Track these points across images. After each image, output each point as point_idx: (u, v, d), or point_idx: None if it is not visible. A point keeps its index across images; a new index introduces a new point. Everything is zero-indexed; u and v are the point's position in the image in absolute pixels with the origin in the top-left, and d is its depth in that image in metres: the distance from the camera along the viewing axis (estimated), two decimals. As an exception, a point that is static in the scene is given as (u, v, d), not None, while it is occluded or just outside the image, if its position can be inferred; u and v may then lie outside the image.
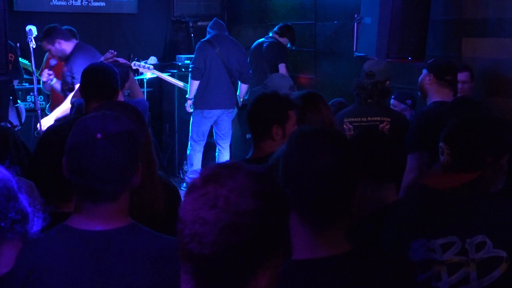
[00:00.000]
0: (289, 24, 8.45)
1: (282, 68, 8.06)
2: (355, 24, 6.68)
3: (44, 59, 7.58)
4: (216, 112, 7.95)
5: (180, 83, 8.58)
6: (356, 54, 6.67)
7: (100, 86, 3.99)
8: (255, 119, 3.49)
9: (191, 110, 8.01)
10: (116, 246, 2.01)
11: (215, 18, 8.50)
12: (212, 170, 1.48)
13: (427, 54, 6.20)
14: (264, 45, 8.31)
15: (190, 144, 8.03)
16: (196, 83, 7.86)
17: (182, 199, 1.51)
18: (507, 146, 2.68)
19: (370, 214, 2.74)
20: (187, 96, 8.04)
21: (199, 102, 7.90)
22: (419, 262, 2.48)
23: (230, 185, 1.43)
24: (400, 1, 6.01)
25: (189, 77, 7.94)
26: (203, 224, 1.41)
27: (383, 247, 2.55)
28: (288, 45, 8.39)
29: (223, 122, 8.06)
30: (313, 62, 8.82)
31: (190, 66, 7.97)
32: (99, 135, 1.97)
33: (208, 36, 8.08)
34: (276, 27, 8.42)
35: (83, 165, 1.98)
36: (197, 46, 8.05)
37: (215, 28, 8.15)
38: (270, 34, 8.43)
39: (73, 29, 7.48)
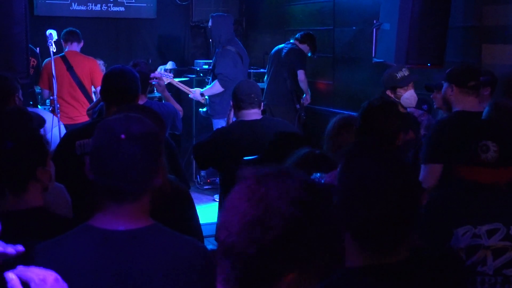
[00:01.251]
0: (311, 32, 8.43)
1: (301, 74, 8.07)
2: (374, 30, 6.67)
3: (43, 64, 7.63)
4: None
5: (199, 98, 8.52)
6: (375, 60, 6.66)
7: (121, 91, 4.00)
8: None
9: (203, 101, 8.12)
10: (139, 246, 2.02)
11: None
12: (266, 168, 1.51)
13: (446, 60, 6.19)
14: (284, 50, 8.30)
15: None
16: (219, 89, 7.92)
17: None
18: None
19: None
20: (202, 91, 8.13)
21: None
22: (465, 248, 2.63)
23: (272, 185, 1.45)
24: (419, 7, 6.00)
25: (217, 83, 7.95)
26: (234, 213, 1.45)
27: (428, 236, 2.63)
28: (309, 54, 8.38)
29: None
30: (331, 68, 8.81)
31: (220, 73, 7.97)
32: (123, 136, 1.99)
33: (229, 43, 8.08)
34: (298, 34, 8.40)
35: (108, 165, 2.00)
36: (226, 53, 8.04)
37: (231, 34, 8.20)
38: (292, 40, 8.41)
39: (77, 30, 7.62)
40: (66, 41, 7.73)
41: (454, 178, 2.88)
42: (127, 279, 1.99)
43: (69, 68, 7.54)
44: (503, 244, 2.65)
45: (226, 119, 7.73)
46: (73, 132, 4.08)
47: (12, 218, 2.26)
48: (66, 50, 7.72)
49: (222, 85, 7.86)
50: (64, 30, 7.82)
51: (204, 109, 8.26)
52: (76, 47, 7.78)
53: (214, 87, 7.94)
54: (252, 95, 4.73)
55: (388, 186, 1.83)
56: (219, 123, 8.01)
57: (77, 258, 2.00)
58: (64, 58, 7.58)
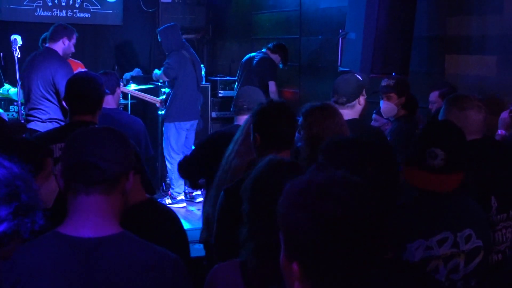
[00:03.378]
0: (283, 43, 8.45)
1: (271, 85, 8.09)
2: (340, 39, 6.73)
3: None
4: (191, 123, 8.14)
5: (157, 99, 8.65)
6: (341, 69, 6.70)
7: (82, 98, 3.99)
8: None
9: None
10: (105, 255, 1.99)
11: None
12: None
13: (411, 69, 6.26)
14: (255, 59, 8.31)
15: (171, 157, 8.06)
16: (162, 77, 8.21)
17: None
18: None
19: None
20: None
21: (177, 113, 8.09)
22: (419, 261, 2.68)
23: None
24: (384, 17, 6.07)
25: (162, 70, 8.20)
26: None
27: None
28: (280, 66, 8.40)
29: (192, 133, 8.21)
30: (297, 76, 8.85)
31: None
32: (96, 126, 2.10)
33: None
34: (271, 43, 8.41)
35: (79, 145, 2.03)
36: (178, 54, 8.19)
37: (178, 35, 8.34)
38: (263, 50, 8.43)
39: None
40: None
41: (402, 182, 2.90)
42: None
43: None
44: (451, 251, 2.72)
45: (175, 123, 7.94)
46: (44, 136, 4.07)
47: None
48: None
49: (164, 72, 8.09)
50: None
51: (162, 112, 8.36)
52: None
53: (158, 75, 8.28)
54: (240, 100, 4.72)
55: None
56: (168, 127, 8.07)
57: (42, 266, 1.97)
58: None
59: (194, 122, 8.21)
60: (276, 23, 9.33)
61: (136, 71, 9.72)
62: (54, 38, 6.61)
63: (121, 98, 8.80)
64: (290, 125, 3.44)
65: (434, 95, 5.66)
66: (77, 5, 9.70)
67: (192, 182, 4.87)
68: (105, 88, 4.20)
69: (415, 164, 2.79)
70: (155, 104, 8.69)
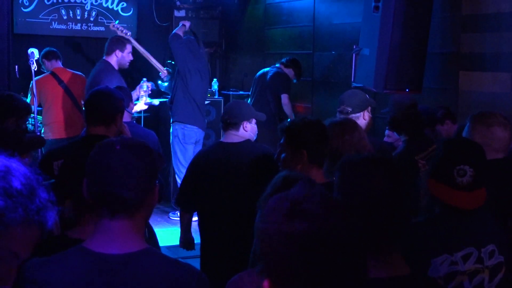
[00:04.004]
0: (296, 58, 8.49)
1: (284, 98, 8.12)
2: (354, 54, 6.75)
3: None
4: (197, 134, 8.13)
5: (162, 68, 8.67)
6: (354, 84, 6.72)
7: (95, 108, 4.06)
8: None
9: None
10: (132, 271, 2.00)
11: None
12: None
13: (424, 86, 6.27)
14: (269, 74, 8.34)
15: (180, 171, 8.01)
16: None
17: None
18: None
19: None
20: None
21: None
22: (444, 276, 2.72)
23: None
24: (398, 33, 6.09)
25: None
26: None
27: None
28: (294, 81, 8.44)
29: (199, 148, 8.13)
30: (310, 91, 8.88)
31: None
32: (118, 147, 2.03)
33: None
34: (284, 58, 8.46)
35: (102, 172, 2.02)
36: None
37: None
38: (277, 64, 8.46)
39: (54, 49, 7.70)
40: (49, 60, 7.74)
41: (429, 196, 2.93)
42: None
43: (61, 82, 7.58)
44: (475, 267, 2.74)
45: (182, 124, 7.94)
46: (51, 153, 4.11)
47: None
48: (50, 68, 7.74)
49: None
50: (44, 50, 7.82)
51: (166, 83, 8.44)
52: (60, 64, 7.82)
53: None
54: (225, 117, 4.70)
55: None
56: (174, 126, 8.09)
57: (67, 280, 1.97)
58: (53, 75, 7.62)
59: (201, 135, 8.18)
60: (289, 38, 9.37)
61: (150, 85, 9.77)
62: (108, 51, 7.03)
63: (134, 112, 8.90)
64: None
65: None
66: (91, 19, 9.78)
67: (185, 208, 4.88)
68: (124, 104, 4.25)
69: (443, 181, 2.82)
70: (160, 75, 8.71)
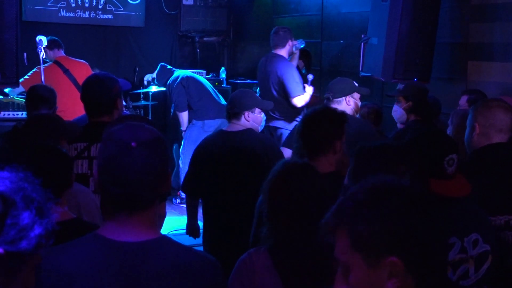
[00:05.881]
0: (307, 49, 8.45)
1: None
2: (362, 44, 6.73)
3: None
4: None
5: None
6: (362, 74, 6.72)
7: (96, 102, 4.08)
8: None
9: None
10: (147, 258, 1.99)
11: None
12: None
13: (433, 76, 6.25)
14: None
15: (185, 156, 8.01)
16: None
17: None
18: None
19: None
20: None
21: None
22: None
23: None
24: (407, 23, 6.07)
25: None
26: None
27: None
28: (303, 71, 8.40)
29: None
30: (318, 80, 8.85)
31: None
32: (133, 144, 1.98)
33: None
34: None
35: (122, 174, 1.98)
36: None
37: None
38: None
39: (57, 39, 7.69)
40: (52, 49, 7.72)
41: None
42: None
43: (66, 71, 7.58)
44: (459, 257, 2.72)
45: (201, 121, 7.96)
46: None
47: None
48: (52, 57, 7.72)
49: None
50: (46, 39, 7.81)
51: None
52: (63, 53, 7.80)
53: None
54: (228, 107, 4.78)
55: None
56: (193, 124, 8.13)
57: (82, 267, 1.97)
58: (57, 63, 7.61)
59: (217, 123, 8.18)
60: (297, 27, 9.33)
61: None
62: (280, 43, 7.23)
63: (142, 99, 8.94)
64: None
65: (463, 100, 5.57)
66: (100, 7, 9.77)
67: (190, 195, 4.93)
68: (119, 86, 4.22)
69: (434, 174, 2.80)
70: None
